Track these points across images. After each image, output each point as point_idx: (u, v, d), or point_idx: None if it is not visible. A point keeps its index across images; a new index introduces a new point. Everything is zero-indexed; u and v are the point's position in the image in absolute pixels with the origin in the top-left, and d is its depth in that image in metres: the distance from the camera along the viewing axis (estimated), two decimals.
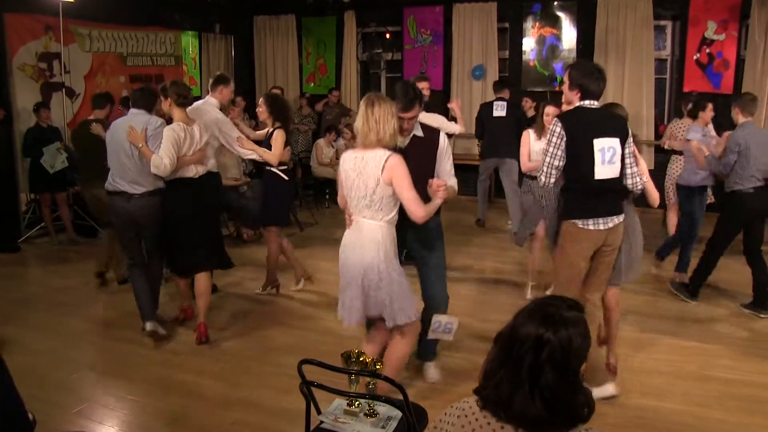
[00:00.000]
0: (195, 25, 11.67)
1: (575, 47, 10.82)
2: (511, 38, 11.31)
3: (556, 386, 1.79)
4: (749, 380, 4.73)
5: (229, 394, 4.50)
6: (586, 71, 4.18)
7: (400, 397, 2.71)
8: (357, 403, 2.95)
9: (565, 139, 4.08)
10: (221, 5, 11.44)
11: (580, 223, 4.17)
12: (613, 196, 4.22)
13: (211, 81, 6.20)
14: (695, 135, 6.49)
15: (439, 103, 11.03)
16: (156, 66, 10.43)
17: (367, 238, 3.80)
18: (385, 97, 3.82)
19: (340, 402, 3.02)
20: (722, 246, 6.24)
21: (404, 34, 11.72)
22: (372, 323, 4.16)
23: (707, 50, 10.07)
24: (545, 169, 4.16)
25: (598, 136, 4.07)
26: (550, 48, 10.96)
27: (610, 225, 4.18)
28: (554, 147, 4.11)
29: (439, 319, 4.22)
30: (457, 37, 11.40)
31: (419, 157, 4.08)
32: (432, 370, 4.73)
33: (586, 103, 4.16)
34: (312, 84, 12.54)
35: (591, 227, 4.16)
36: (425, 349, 4.72)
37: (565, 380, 1.81)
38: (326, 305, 6.14)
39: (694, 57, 10.16)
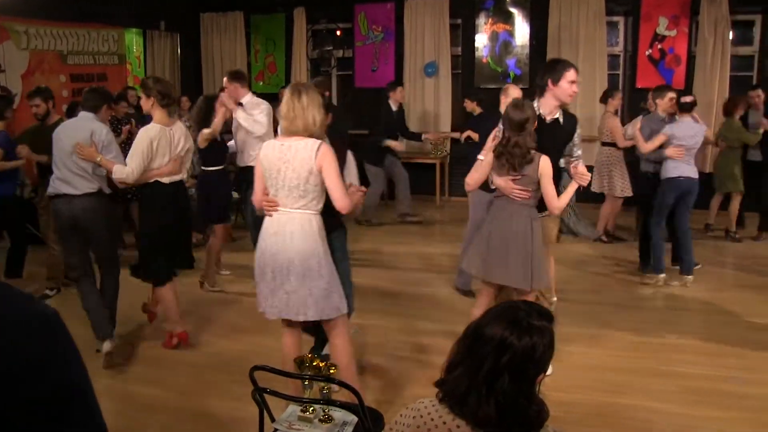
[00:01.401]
0: (139, 23, 11.48)
1: (528, 43, 10.93)
2: (464, 34, 11.38)
3: (512, 392, 1.82)
4: (707, 374, 4.83)
5: (180, 406, 4.44)
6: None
7: (356, 401, 2.71)
8: (311, 408, 2.95)
9: None
10: (166, 2, 11.30)
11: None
12: None
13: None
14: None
15: (387, 102, 11.12)
16: (98, 65, 10.24)
17: (304, 228, 3.77)
18: (312, 86, 3.86)
19: (295, 408, 3.00)
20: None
21: (355, 31, 11.71)
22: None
23: (659, 46, 10.28)
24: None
25: None
26: (503, 44, 11.05)
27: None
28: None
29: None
30: (409, 33, 11.42)
31: None
32: None
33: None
34: (261, 83, 12.44)
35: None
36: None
37: (521, 387, 1.84)
38: None
39: (647, 53, 10.36)
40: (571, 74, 4.52)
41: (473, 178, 4.52)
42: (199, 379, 4.79)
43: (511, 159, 4.27)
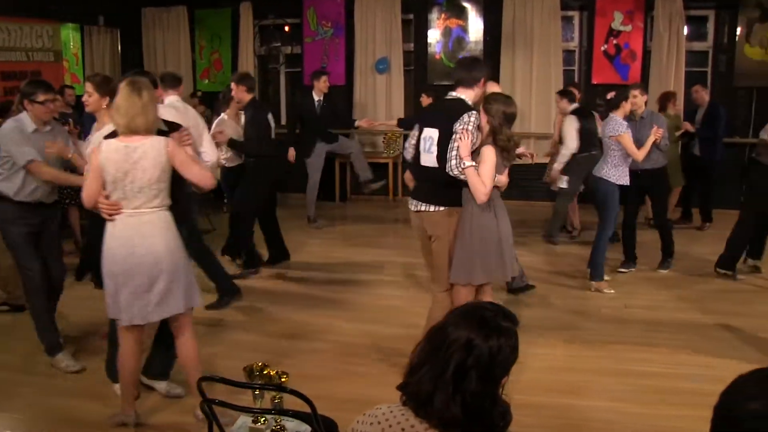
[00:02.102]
0: (76, 17, 11.22)
1: (482, 39, 11.01)
2: (416, 30, 11.39)
3: (479, 393, 1.84)
4: (666, 372, 4.91)
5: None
6: (458, 64, 5.00)
7: (308, 409, 2.65)
8: (263, 419, 2.91)
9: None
10: None
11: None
12: (429, 184, 4.63)
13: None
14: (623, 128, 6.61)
15: (344, 97, 11.08)
16: (32, 62, 9.95)
17: (159, 228, 3.82)
18: (144, 80, 3.90)
19: (246, 419, 2.96)
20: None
21: (304, 27, 11.62)
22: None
23: (614, 41, 10.43)
24: (406, 147, 4.94)
25: (426, 126, 4.63)
26: (456, 40, 11.09)
27: (415, 209, 4.69)
28: (414, 129, 4.80)
29: None
30: (359, 29, 11.38)
31: None
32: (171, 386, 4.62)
33: (450, 94, 4.67)
34: (206, 80, 12.28)
35: (410, 207, 4.77)
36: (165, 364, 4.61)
37: (486, 389, 1.86)
38: (229, 315, 6.06)
39: (602, 48, 10.50)
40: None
41: (488, 185, 4.36)
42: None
43: (512, 153, 4.51)
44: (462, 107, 4.49)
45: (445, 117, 4.49)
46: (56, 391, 4.69)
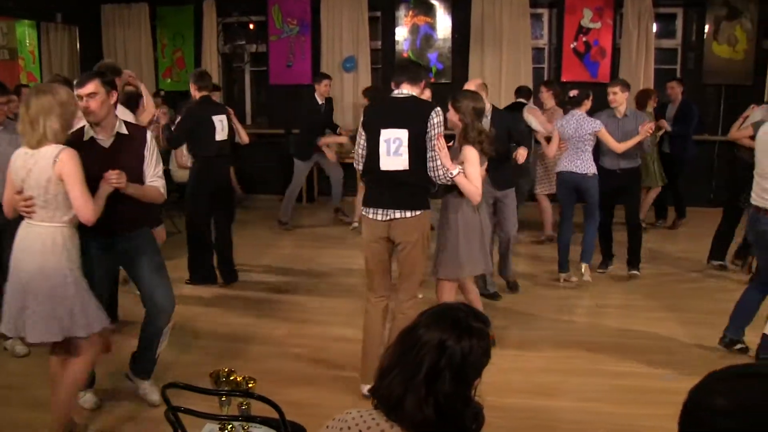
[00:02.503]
0: (32, 14, 11.02)
1: (450, 36, 11.02)
2: (384, 28, 11.38)
3: (452, 394, 1.85)
4: (637, 372, 4.95)
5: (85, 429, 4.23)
6: (396, 64, 4.70)
7: (276, 416, 2.62)
8: (230, 426, 2.87)
9: (362, 128, 4.49)
10: None
11: (364, 210, 4.48)
12: (401, 188, 4.36)
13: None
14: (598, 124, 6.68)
15: (311, 96, 10.99)
16: None
17: (46, 242, 3.66)
18: (51, 85, 3.82)
19: (212, 427, 2.92)
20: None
21: (269, 24, 11.54)
22: None
23: (584, 39, 10.51)
24: (356, 156, 4.58)
25: (385, 127, 4.32)
26: (424, 37, 11.10)
27: (390, 218, 4.38)
28: (359, 136, 4.50)
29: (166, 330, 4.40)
30: (326, 26, 11.34)
31: (125, 156, 4.05)
32: (150, 390, 4.51)
33: (395, 92, 4.47)
34: (169, 80, 12.15)
35: (371, 216, 4.43)
36: (143, 365, 4.53)
37: (459, 390, 1.88)
38: (193, 318, 5.99)
39: (571, 45, 10.58)
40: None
41: (478, 185, 4.52)
42: (109, 399, 4.55)
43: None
44: (425, 104, 4.44)
45: (411, 116, 4.33)
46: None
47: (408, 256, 4.45)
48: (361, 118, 4.52)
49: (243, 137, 7.26)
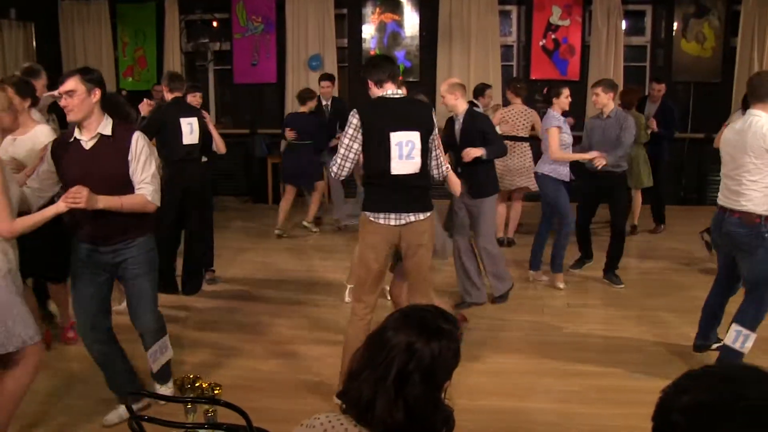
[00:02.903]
0: None
1: (418, 34, 11.03)
2: (350, 25, 11.36)
3: (422, 396, 1.86)
4: (608, 371, 4.96)
5: None
6: (370, 62, 4.49)
7: (243, 422, 2.58)
8: None
9: (361, 131, 4.21)
10: None
11: (372, 216, 4.30)
12: (413, 191, 4.30)
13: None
14: (556, 122, 6.64)
15: (276, 95, 10.97)
16: None
17: None
18: None
19: None
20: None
21: (233, 22, 11.47)
22: None
23: (553, 36, 10.57)
24: (339, 161, 4.25)
25: (394, 129, 4.18)
26: (391, 35, 11.10)
27: (404, 222, 4.28)
28: (350, 139, 4.21)
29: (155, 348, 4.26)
30: (291, 24, 11.28)
31: (105, 160, 3.87)
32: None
33: (389, 92, 4.30)
34: (130, 79, 12.00)
35: (382, 222, 4.28)
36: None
37: (428, 393, 1.88)
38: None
39: (540, 43, 10.62)
40: None
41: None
42: (68, 410, 4.44)
43: None
44: (424, 104, 4.52)
45: (420, 117, 4.30)
46: None
47: (420, 259, 4.38)
48: (354, 121, 4.20)
49: (219, 146, 7.00)
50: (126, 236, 3.99)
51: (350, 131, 4.20)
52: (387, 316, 2.02)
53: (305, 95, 8.82)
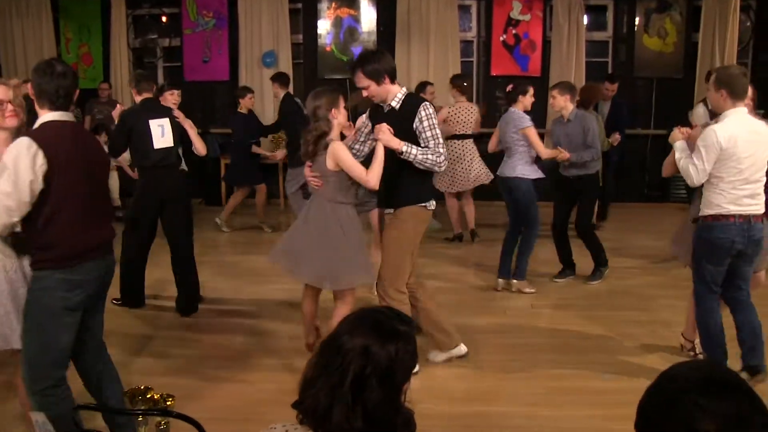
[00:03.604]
0: None
1: (375, 29, 11.02)
2: (305, 20, 11.29)
3: (380, 401, 1.85)
4: (575, 372, 4.96)
5: None
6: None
7: None
8: None
9: None
10: None
11: (429, 205, 4.73)
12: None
13: None
14: (528, 122, 6.57)
15: (227, 94, 10.84)
16: None
17: None
18: None
19: None
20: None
21: (183, 17, 11.31)
22: None
23: (513, 31, 10.62)
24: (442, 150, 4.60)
25: None
26: (348, 31, 11.05)
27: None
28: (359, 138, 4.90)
29: (36, 417, 4.01)
30: (244, 19, 11.17)
31: None
32: None
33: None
34: None
35: (430, 208, 4.76)
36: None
37: (387, 397, 1.87)
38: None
39: (501, 38, 10.65)
40: None
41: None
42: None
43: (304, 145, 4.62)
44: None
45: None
46: None
47: None
48: (365, 121, 4.87)
49: (198, 147, 6.58)
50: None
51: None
52: (341, 321, 2.01)
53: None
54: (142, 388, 2.95)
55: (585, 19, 10.52)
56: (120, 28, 11.41)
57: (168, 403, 2.88)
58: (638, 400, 1.60)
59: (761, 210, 4.44)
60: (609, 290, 6.79)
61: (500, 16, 10.61)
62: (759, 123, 4.45)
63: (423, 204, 4.67)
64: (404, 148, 4.41)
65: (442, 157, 4.47)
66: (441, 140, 4.51)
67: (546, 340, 5.59)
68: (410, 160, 4.44)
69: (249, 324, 6.00)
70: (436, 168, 4.52)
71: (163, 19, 11.48)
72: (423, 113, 4.48)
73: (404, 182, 4.61)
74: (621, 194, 9.52)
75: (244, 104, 9.00)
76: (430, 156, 4.44)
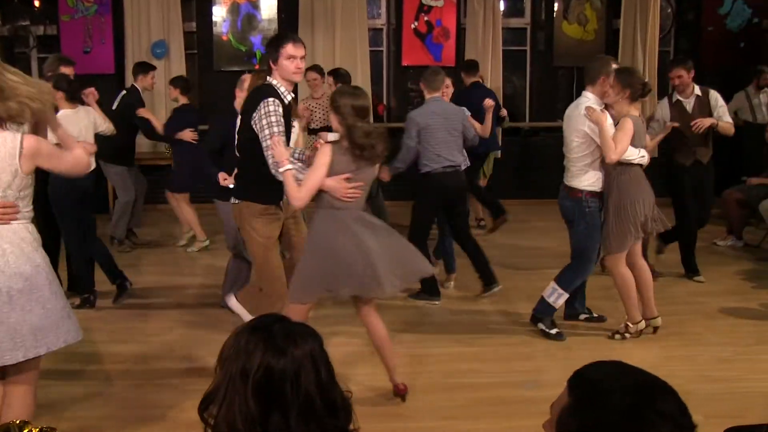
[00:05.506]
0: None
1: (276, 17, 10.87)
2: (198, 7, 11.07)
3: (325, 408, 1.93)
4: (497, 382, 4.98)
5: None
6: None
7: None
8: None
9: None
10: None
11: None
12: None
13: None
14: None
15: (111, 89, 10.44)
16: None
17: (20, 244, 3.39)
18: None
19: None
20: (426, 232, 6.61)
21: (60, 2, 10.90)
22: None
23: (426, 18, 10.63)
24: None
25: None
26: (246, 18, 10.89)
27: None
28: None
29: None
30: (130, 5, 10.84)
31: None
32: None
33: None
34: None
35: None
36: None
37: (329, 398, 1.97)
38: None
39: (412, 26, 10.64)
40: (288, 49, 4.71)
41: (308, 189, 4.31)
42: None
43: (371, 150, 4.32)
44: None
45: None
46: None
47: None
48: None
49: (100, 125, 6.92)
50: None
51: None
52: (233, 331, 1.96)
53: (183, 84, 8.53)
54: (17, 422, 2.67)
55: (501, 5, 10.63)
56: None
57: None
58: None
59: None
60: (526, 292, 6.36)
61: (411, 2, 10.62)
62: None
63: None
64: None
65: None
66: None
67: (464, 349, 5.57)
68: None
69: None
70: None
71: (36, 3, 11.02)
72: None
73: None
74: (544, 192, 9.54)
75: (142, 84, 8.53)
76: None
